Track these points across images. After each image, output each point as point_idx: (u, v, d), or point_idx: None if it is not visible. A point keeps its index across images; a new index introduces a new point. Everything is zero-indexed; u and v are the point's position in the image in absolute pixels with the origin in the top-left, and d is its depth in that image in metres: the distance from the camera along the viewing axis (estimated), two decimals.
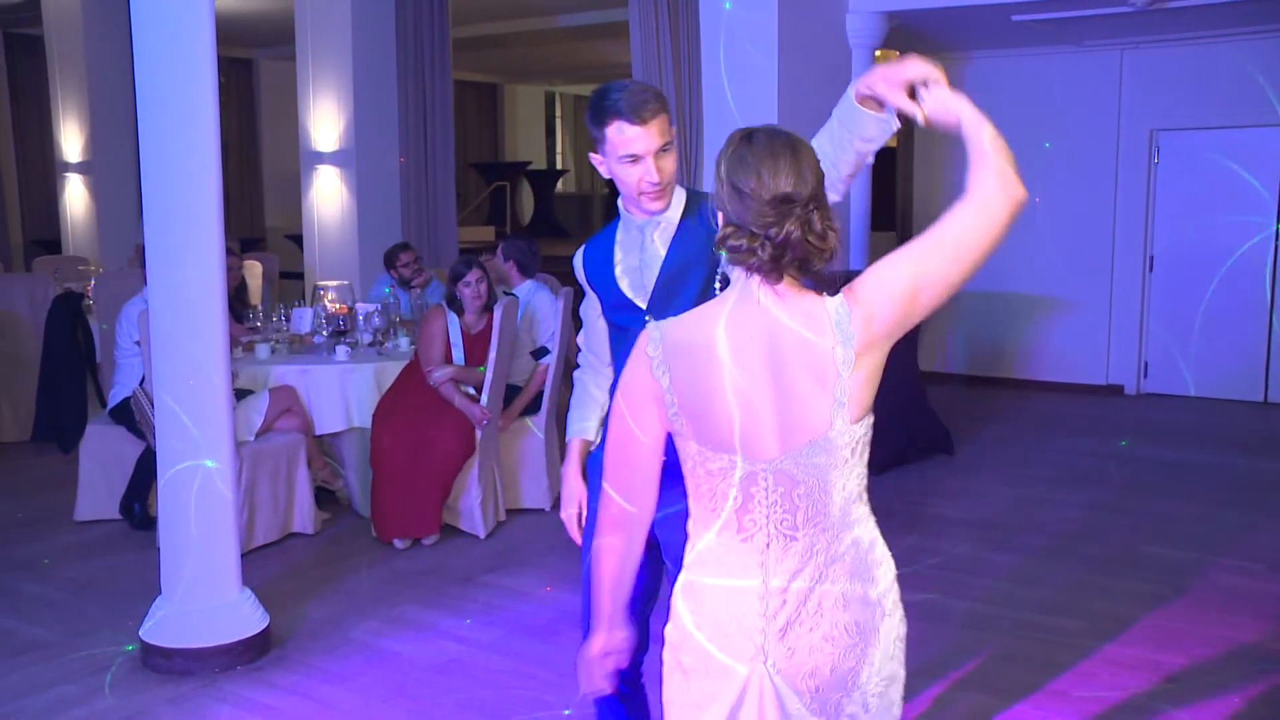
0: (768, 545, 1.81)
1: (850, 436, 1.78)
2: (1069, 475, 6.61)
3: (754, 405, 1.77)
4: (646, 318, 2.52)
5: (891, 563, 1.89)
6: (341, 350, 5.79)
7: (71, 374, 6.87)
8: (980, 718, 3.59)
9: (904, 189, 10.17)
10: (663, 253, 2.53)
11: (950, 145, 9.42)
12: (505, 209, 15.39)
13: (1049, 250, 9.05)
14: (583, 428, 2.74)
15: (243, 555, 4.18)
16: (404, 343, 6.04)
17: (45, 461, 6.85)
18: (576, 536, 2.70)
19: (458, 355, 5.48)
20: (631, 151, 2.40)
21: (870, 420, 1.81)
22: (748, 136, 1.79)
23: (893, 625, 1.86)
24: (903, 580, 1.90)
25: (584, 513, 2.69)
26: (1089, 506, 5.96)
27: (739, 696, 1.82)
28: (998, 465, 6.85)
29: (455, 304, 5.51)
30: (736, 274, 1.82)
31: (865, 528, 1.85)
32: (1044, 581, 4.83)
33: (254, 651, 4.03)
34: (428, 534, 5.32)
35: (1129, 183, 8.82)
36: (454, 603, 4.61)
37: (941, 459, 6.95)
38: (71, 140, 10.25)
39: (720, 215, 1.81)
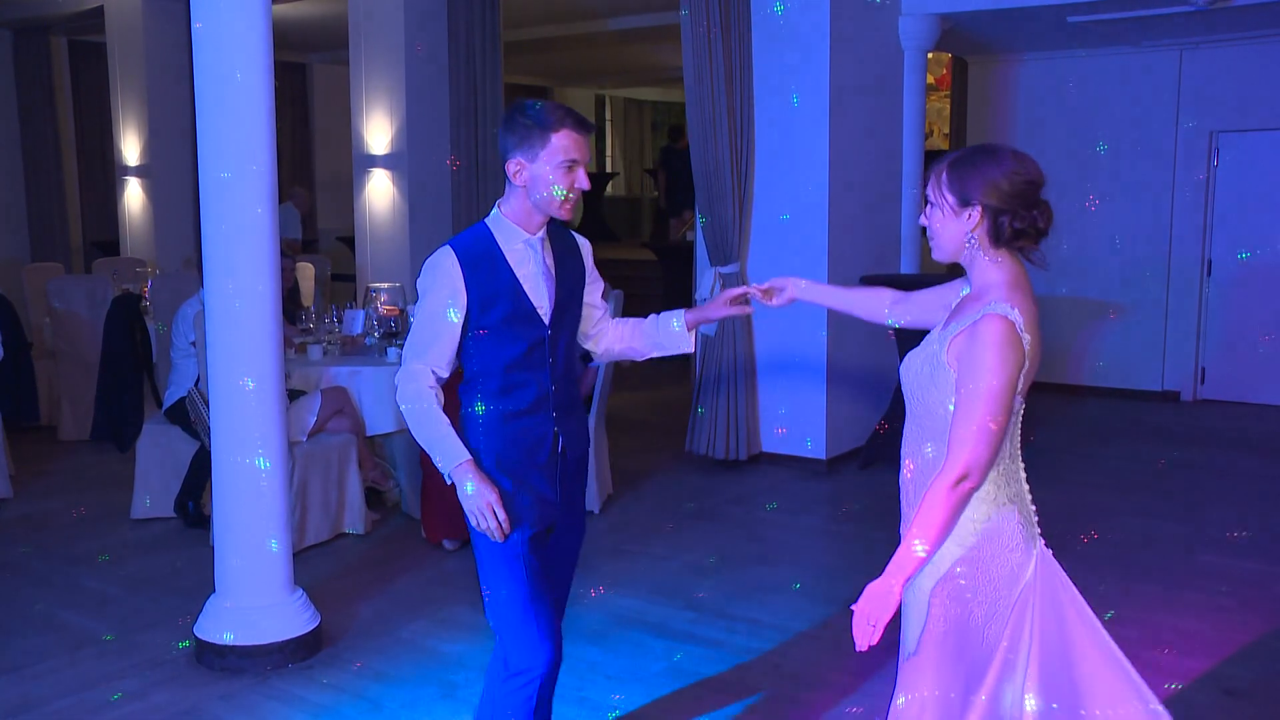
0: None
1: None
2: (1123, 482, 6.50)
3: None
4: (549, 333, 2.68)
5: None
6: (393, 352, 5.83)
7: (129, 374, 6.96)
8: None
9: None
10: (554, 270, 2.72)
11: (1006, 137, 9.30)
12: None
13: (1103, 254, 8.91)
14: (460, 451, 2.65)
15: (294, 555, 4.22)
16: None
17: (103, 460, 6.96)
18: (496, 529, 2.64)
19: None
20: (574, 158, 2.59)
21: None
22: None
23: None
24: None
25: (496, 507, 2.62)
26: (1145, 514, 5.85)
27: None
28: (1048, 471, 6.73)
29: None
30: (986, 259, 2.31)
31: None
32: (1096, 590, 4.72)
33: (305, 650, 4.07)
34: None
35: (1187, 186, 8.66)
36: None
37: None
38: (131, 145, 10.43)
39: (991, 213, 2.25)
